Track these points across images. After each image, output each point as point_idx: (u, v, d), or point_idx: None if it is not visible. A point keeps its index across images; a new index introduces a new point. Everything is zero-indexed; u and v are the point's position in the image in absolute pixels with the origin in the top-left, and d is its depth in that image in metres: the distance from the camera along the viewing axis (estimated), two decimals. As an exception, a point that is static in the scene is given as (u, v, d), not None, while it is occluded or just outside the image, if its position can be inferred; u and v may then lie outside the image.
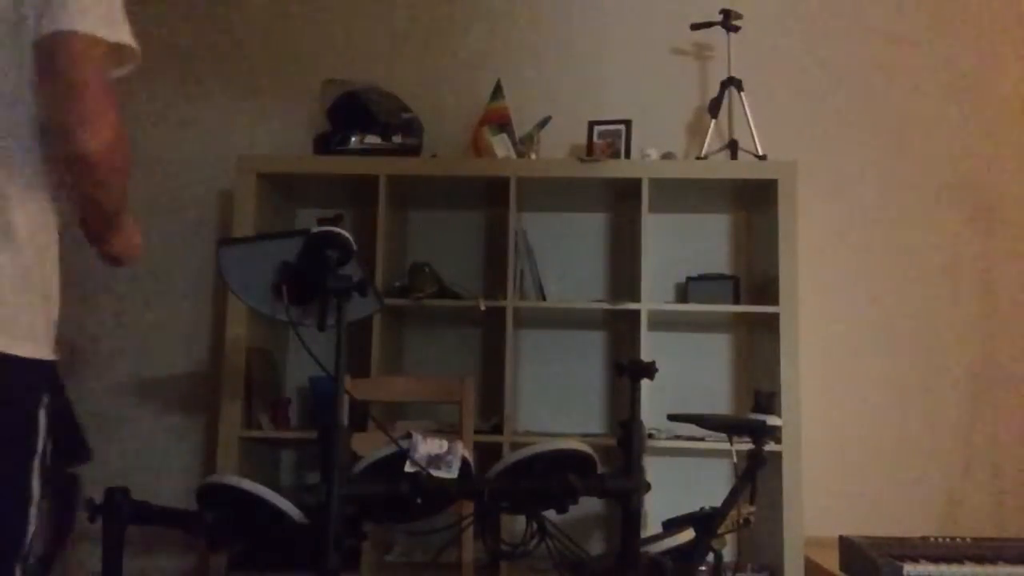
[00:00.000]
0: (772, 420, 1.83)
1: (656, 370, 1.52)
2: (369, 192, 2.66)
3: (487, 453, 2.50)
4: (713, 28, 2.83)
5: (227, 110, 3.05)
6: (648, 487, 1.54)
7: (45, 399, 1.22)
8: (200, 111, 3.07)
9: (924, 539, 2.27)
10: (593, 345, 2.94)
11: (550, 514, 1.53)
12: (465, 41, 3.08)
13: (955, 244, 2.92)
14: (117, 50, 1.26)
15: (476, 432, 2.46)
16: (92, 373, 2.98)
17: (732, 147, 2.81)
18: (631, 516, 1.43)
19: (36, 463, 1.20)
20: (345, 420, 1.26)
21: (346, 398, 1.30)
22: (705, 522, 1.71)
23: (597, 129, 2.84)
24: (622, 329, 2.86)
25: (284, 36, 3.10)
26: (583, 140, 2.84)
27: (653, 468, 2.56)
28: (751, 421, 1.83)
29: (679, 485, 2.60)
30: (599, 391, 2.92)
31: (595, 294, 2.88)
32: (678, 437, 2.57)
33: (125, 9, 1.29)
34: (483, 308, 2.58)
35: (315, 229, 1.30)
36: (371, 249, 2.62)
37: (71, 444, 1.45)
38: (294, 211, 2.98)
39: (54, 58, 1.20)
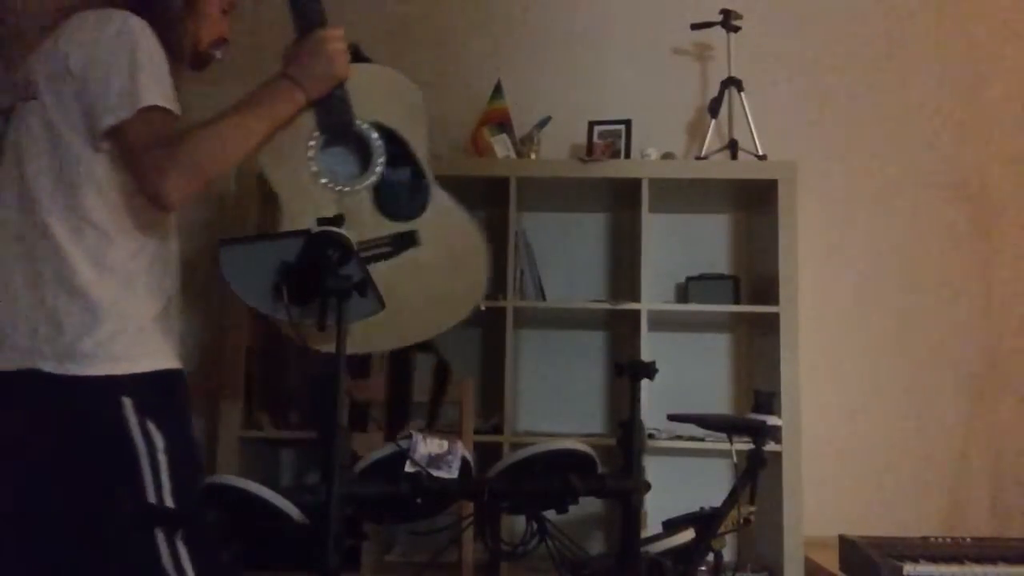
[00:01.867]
0: (772, 420, 1.82)
1: (656, 370, 1.52)
2: (369, 192, 2.65)
3: (487, 453, 2.50)
4: (713, 28, 2.83)
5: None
6: (648, 487, 1.54)
7: (127, 403, 1.38)
8: (200, 111, 3.07)
9: (924, 539, 2.27)
10: (593, 345, 2.94)
11: (550, 514, 1.53)
12: (465, 41, 3.08)
13: (955, 244, 2.92)
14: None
15: (476, 432, 2.46)
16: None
17: (732, 147, 2.81)
18: (631, 516, 1.43)
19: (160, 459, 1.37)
20: (345, 420, 1.26)
21: (346, 398, 1.30)
22: (705, 522, 1.70)
23: (597, 129, 2.84)
24: (622, 329, 2.86)
25: (284, 36, 3.09)
26: (583, 140, 2.84)
27: (653, 468, 2.55)
28: (751, 421, 1.83)
29: (679, 485, 2.60)
30: (599, 391, 2.91)
31: (595, 294, 2.88)
32: (678, 437, 2.57)
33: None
34: (483, 308, 2.57)
35: (315, 229, 1.30)
36: (371, 249, 2.62)
37: None
38: (294, 211, 2.97)
39: (119, 149, 1.44)
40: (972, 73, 2.99)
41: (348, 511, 1.23)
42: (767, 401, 1.86)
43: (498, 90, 2.79)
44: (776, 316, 2.53)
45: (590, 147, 2.82)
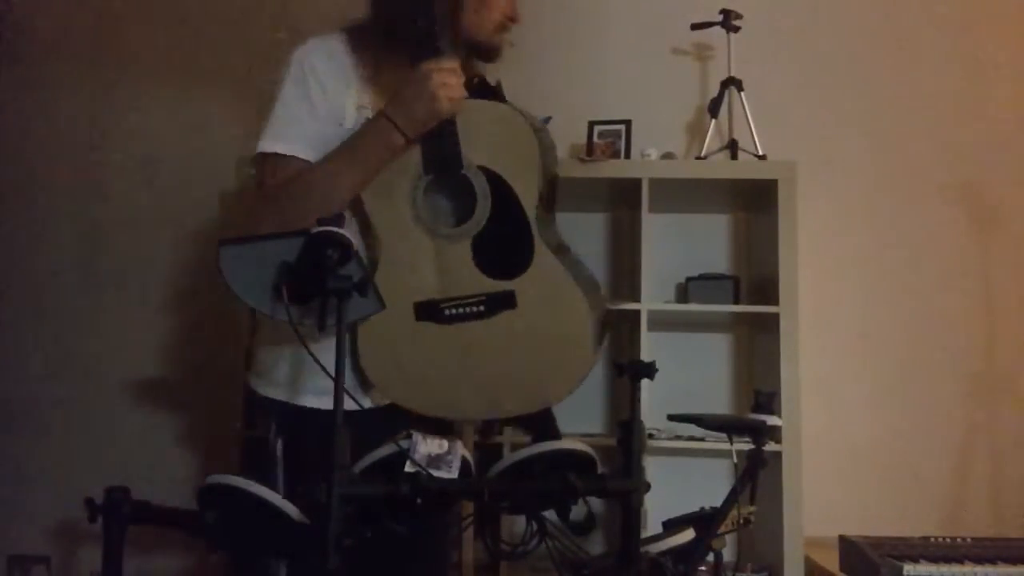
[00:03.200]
0: (772, 420, 1.82)
1: (656, 370, 1.51)
2: (369, 192, 2.64)
3: (487, 453, 2.49)
4: (713, 28, 2.83)
5: (227, 110, 3.05)
6: (648, 487, 1.54)
7: (273, 427, 1.52)
8: (200, 111, 3.07)
9: (924, 539, 2.27)
10: (593, 345, 2.93)
11: (550, 514, 1.53)
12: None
13: (955, 244, 2.92)
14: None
15: (476, 432, 2.46)
16: (92, 373, 2.97)
17: (732, 147, 2.81)
18: (631, 516, 1.43)
19: (278, 471, 1.47)
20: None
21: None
22: (705, 522, 1.70)
23: (597, 129, 2.84)
24: (622, 329, 2.86)
25: (284, 36, 3.10)
26: (583, 140, 2.84)
27: (653, 468, 2.56)
28: (751, 421, 1.83)
29: (679, 485, 2.59)
30: (599, 391, 2.91)
31: (595, 294, 2.88)
32: (678, 437, 2.57)
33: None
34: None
35: (315, 229, 1.30)
36: (371, 249, 2.61)
37: None
38: (294, 211, 2.97)
39: None
40: (973, 73, 2.99)
41: (348, 511, 1.23)
42: (767, 401, 1.86)
43: (498, 90, 2.79)
44: (776, 316, 2.53)
45: (590, 147, 2.82)
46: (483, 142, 1.48)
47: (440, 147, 1.47)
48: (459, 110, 1.47)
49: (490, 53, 1.66)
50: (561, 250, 1.58)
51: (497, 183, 1.48)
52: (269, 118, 1.56)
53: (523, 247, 1.48)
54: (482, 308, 1.46)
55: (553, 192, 1.63)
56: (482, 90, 1.57)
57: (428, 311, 1.48)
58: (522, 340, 1.48)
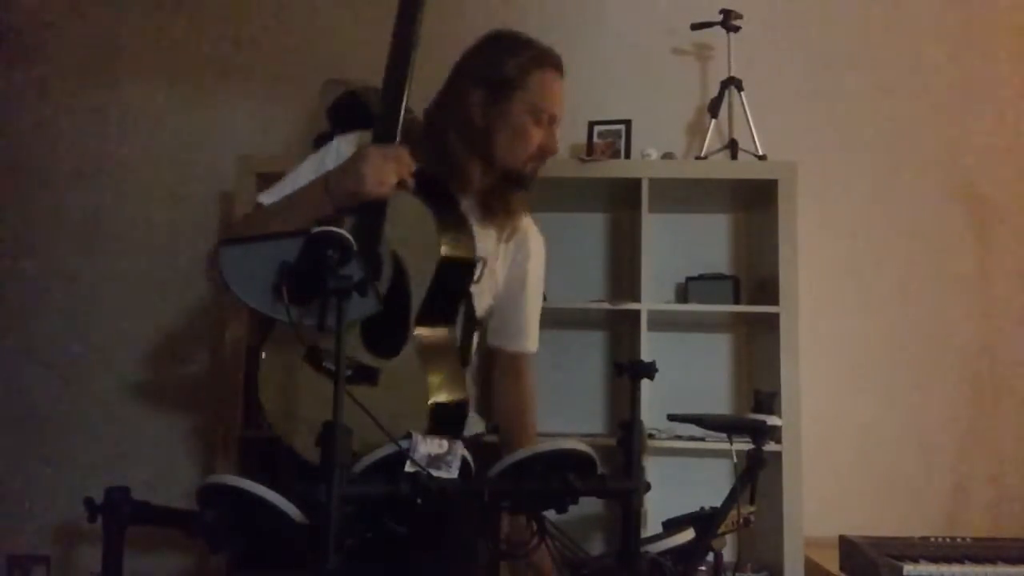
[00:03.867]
0: (772, 420, 1.82)
1: (656, 370, 1.51)
2: (369, 192, 2.65)
3: (487, 453, 2.49)
4: (713, 28, 2.83)
5: (227, 110, 3.05)
6: (648, 487, 1.54)
7: None
8: (200, 111, 3.07)
9: (924, 539, 2.28)
10: (593, 345, 2.93)
11: (550, 514, 1.53)
12: (465, 41, 3.07)
13: (955, 244, 2.92)
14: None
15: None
16: (92, 373, 2.98)
17: (732, 147, 2.81)
18: (631, 516, 1.43)
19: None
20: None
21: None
22: (705, 522, 1.70)
23: (597, 129, 2.84)
24: (622, 329, 2.86)
25: (284, 36, 3.10)
26: (583, 140, 2.84)
27: (653, 468, 2.56)
28: (751, 421, 1.82)
29: (679, 485, 2.60)
30: (599, 391, 2.91)
31: (595, 294, 2.88)
32: (678, 437, 2.57)
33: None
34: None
35: (315, 229, 1.30)
36: (371, 249, 2.61)
37: None
38: (294, 211, 2.97)
39: None
40: (973, 72, 2.99)
41: (348, 511, 1.23)
42: (767, 401, 1.86)
43: (498, 90, 2.79)
44: (776, 316, 2.53)
45: (590, 147, 2.82)
46: (401, 233, 1.59)
47: (365, 222, 1.56)
48: (386, 195, 1.55)
49: (521, 181, 1.77)
50: (434, 358, 1.63)
51: (400, 273, 1.58)
52: (283, 178, 1.71)
53: (400, 336, 1.58)
54: (350, 373, 1.53)
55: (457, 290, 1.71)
56: (426, 185, 1.64)
57: (313, 356, 1.56)
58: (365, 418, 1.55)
